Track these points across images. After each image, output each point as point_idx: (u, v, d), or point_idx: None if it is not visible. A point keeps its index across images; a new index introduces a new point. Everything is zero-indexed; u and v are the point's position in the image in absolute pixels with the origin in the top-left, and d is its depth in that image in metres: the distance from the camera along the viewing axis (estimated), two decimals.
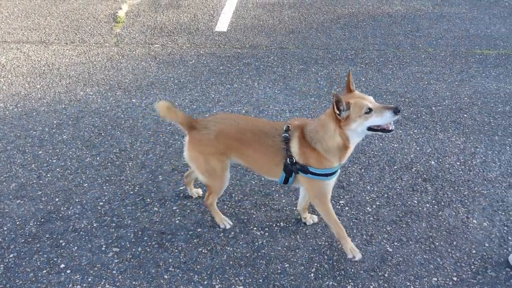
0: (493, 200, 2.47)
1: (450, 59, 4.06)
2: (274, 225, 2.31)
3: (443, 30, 4.67)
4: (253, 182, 2.59)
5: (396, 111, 1.78)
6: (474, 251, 2.16)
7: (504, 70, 3.87)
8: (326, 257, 2.13)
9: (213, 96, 3.45)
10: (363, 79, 3.71)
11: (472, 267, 2.08)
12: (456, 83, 3.66)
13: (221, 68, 3.87)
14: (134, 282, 1.98)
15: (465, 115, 3.24)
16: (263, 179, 2.59)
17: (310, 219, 2.30)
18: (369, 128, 1.84)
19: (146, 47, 4.19)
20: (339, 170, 2.03)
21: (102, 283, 1.98)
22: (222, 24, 4.73)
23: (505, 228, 2.30)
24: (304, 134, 1.96)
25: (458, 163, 2.76)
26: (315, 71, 3.85)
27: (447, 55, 4.13)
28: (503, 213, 2.38)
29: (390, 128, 1.85)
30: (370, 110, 1.80)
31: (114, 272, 2.03)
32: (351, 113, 1.82)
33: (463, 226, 2.30)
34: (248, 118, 2.22)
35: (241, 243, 2.20)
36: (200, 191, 2.47)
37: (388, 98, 3.43)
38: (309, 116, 3.20)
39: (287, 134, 1.98)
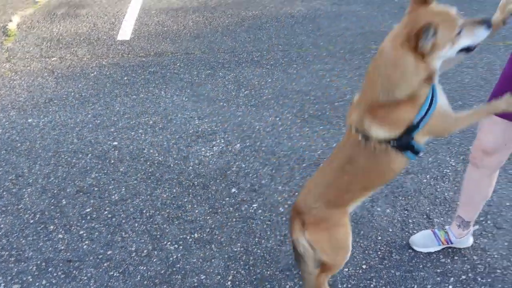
0: (394, 187, 2.63)
1: (349, 55, 4.27)
2: (188, 237, 2.27)
3: (341, 28, 4.90)
4: (165, 195, 2.53)
5: (488, 24, 1.40)
6: (380, 238, 2.29)
7: None
8: (242, 263, 2.13)
9: (118, 108, 3.32)
10: (270, 80, 3.79)
11: (379, 253, 2.20)
12: (355, 78, 3.86)
13: (125, 78, 3.74)
14: None
15: None
16: (175, 190, 2.55)
17: None
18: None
19: (42, 61, 3.94)
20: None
21: None
22: (125, 32, 4.58)
23: (406, 212, 2.46)
24: (373, 104, 1.49)
25: None
26: (222, 75, 3.86)
27: (346, 52, 4.34)
28: (403, 198, 2.55)
29: (475, 45, 1.44)
30: (460, 29, 1.39)
31: None
32: (438, 39, 1.34)
33: (369, 215, 2.43)
34: (329, 159, 1.75)
35: (154, 260, 2.13)
36: None
37: (294, 97, 3.53)
38: (218, 121, 3.20)
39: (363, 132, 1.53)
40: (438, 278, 2.08)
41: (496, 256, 2.19)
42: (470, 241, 2.24)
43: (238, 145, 2.97)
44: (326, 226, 1.68)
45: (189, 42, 4.46)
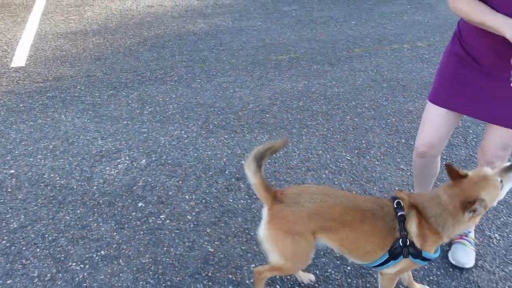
0: (295, 184, 2.79)
1: (250, 67, 4.45)
2: (95, 255, 2.23)
3: (242, 42, 5.09)
4: (68, 217, 2.46)
5: None
6: None
7: (295, 71, 4.39)
8: (151, 273, 2.14)
9: (14, 136, 3.18)
10: (174, 96, 3.83)
11: None
12: (257, 88, 4.04)
13: (21, 105, 3.59)
14: None
15: (267, 115, 3.59)
16: (79, 211, 2.49)
17: None
18: None
19: None
20: None
21: None
22: (19, 59, 4.40)
23: None
24: (424, 214, 1.70)
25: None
26: (125, 94, 3.84)
27: (248, 64, 4.52)
28: None
29: None
30: (501, 182, 1.64)
31: None
32: (487, 202, 1.62)
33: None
34: (348, 194, 1.81)
35: (59, 282, 2.07)
36: (312, 277, 2.13)
37: (199, 110, 3.61)
38: (122, 140, 3.18)
39: (402, 212, 1.69)
40: (338, 262, 2.24)
41: None
42: None
43: (144, 160, 2.97)
44: (292, 231, 1.69)
45: (90, 64, 4.38)
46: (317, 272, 2.17)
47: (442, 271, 2.20)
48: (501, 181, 1.63)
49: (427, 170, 2.25)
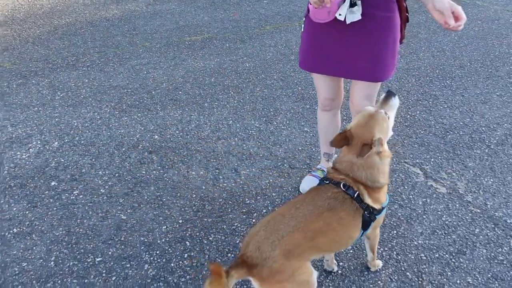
0: (206, 153, 2.96)
1: (164, 49, 4.54)
2: (7, 233, 2.28)
3: (157, 26, 5.15)
4: None
5: (393, 94, 1.84)
6: (194, 195, 2.58)
7: (208, 50, 4.54)
8: (64, 243, 2.23)
9: None
10: (86, 81, 3.86)
11: (193, 207, 2.49)
12: (171, 68, 4.14)
13: None
14: None
15: (180, 92, 3.72)
16: None
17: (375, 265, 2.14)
18: None
19: None
20: None
21: None
22: None
23: (217, 170, 2.79)
24: (362, 181, 1.75)
25: (177, 132, 3.18)
26: (35, 82, 3.80)
27: (162, 46, 4.60)
28: (215, 160, 2.88)
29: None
30: (385, 113, 1.78)
31: None
32: (382, 137, 1.75)
33: (185, 179, 2.71)
34: (300, 208, 1.69)
35: None
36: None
37: (112, 92, 3.67)
38: (33, 125, 3.19)
39: (353, 190, 1.74)
40: (244, 216, 2.44)
41: (290, 189, 2.64)
42: None
43: (56, 143, 3.01)
44: (284, 278, 1.58)
45: None
46: (224, 226, 2.37)
47: None
48: (386, 113, 1.78)
49: (330, 125, 2.50)
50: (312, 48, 2.20)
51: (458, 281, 2.08)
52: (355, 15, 1.96)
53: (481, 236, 2.34)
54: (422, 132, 3.26)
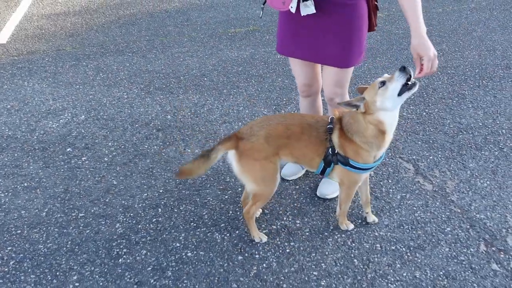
0: (208, 134, 3.16)
1: (207, 39, 4.82)
2: (19, 186, 2.68)
3: (208, 18, 5.46)
4: (6, 159, 2.93)
5: (402, 69, 1.80)
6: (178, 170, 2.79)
7: (247, 41, 4.73)
8: (59, 199, 2.57)
9: None
10: (128, 65, 4.26)
11: (177, 181, 2.70)
12: (206, 56, 4.40)
13: None
14: None
15: (205, 79, 3.96)
16: (16, 155, 2.95)
17: (371, 217, 2.34)
18: (399, 94, 1.82)
19: None
20: (383, 156, 2.09)
21: None
22: (2, 37, 4.93)
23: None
24: (342, 125, 1.99)
25: (189, 113, 3.42)
26: (85, 64, 4.29)
27: (205, 37, 4.89)
28: (213, 141, 3.07)
29: (414, 82, 1.81)
30: (383, 83, 1.83)
31: None
32: (366, 99, 1.87)
33: (179, 155, 2.94)
34: (287, 115, 2.19)
35: None
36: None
37: (145, 76, 4.02)
38: (70, 100, 3.63)
39: (331, 126, 2.01)
40: (219, 192, 2.61)
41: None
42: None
43: (83, 116, 3.42)
44: (259, 157, 1.99)
45: (63, 40, 4.86)
46: (198, 199, 2.55)
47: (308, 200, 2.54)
48: (383, 82, 1.83)
49: (310, 111, 2.57)
50: (285, 33, 2.29)
51: (404, 274, 2.06)
52: (309, 8, 2.03)
53: (449, 235, 2.26)
54: (432, 130, 3.14)
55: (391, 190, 2.58)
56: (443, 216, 2.39)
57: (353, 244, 2.23)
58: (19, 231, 2.35)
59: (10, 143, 3.11)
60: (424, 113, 3.35)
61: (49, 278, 2.07)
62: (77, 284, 2.04)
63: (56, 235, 2.32)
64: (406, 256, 2.15)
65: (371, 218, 2.35)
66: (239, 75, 4.01)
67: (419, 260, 2.13)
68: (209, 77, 3.99)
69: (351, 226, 2.31)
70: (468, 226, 2.31)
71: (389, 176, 2.70)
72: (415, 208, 2.44)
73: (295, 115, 2.21)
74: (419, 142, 3.01)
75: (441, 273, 2.06)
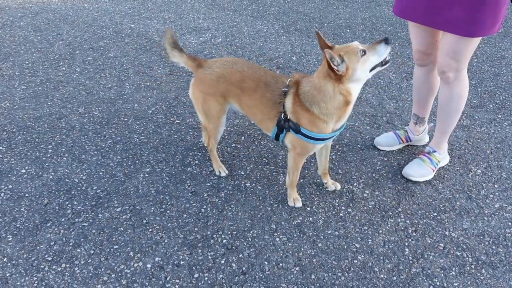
0: None
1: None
2: (142, 84, 3.04)
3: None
4: (133, 55, 3.32)
5: (386, 41, 1.69)
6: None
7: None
8: (167, 103, 2.85)
9: (150, 6, 4.17)
10: (282, 2, 4.30)
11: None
12: (361, 9, 4.18)
13: None
14: None
15: (348, 30, 3.79)
16: (141, 54, 3.32)
17: (333, 185, 2.21)
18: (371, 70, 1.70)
19: None
20: (343, 126, 1.90)
21: None
22: None
23: None
24: (299, 92, 1.79)
25: (314, 60, 3.36)
26: None
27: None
28: None
29: (388, 59, 1.73)
30: (364, 52, 1.66)
31: None
32: (348, 64, 1.65)
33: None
34: (255, 67, 1.96)
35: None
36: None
37: (293, 15, 4.03)
38: (217, 23, 3.87)
39: (286, 89, 1.83)
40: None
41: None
42: (426, 138, 2.52)
43: (220, 39, 3.62)
44: (205, 90, 1.97)
45: None
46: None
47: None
48: (364, 51, 1.66)
49: (424, 84, 2.32)
50: None
51: (456, 284, 1.80)
52: None
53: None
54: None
55: (491, 196, 2.22)
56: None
57: (414, 234, 2.01)
58: (126, 119, 2.69)
59: (152, 47, 3.49)
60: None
61: (129, 163, 2.36)
62: (147, 175, 2.28)
63: (150, 131, 2.59)
64: (468, 267, 1.87)
65: (332, 186, 2.20)
66: (386, 33, 3.73)
67: (481, 277, 1.83)
68: (350, 29, 3.80)
69: (299, 204, 2.10)
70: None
71: (498, 180, 2.31)
72: (510, 224, 2.07)
73: (260, 69, 1.93)
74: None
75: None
